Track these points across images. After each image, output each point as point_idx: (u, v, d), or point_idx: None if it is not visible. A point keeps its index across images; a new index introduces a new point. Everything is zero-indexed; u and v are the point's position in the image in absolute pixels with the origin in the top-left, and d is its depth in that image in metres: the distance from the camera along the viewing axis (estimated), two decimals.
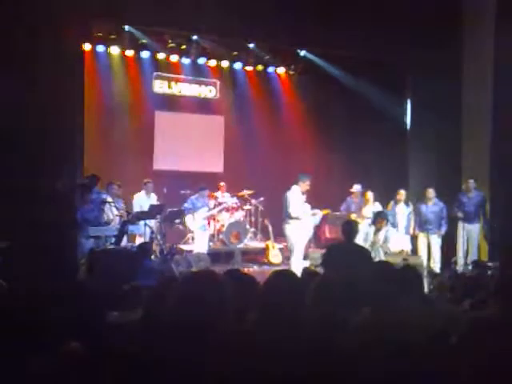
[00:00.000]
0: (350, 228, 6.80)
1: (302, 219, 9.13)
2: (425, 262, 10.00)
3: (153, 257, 8.92)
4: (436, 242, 10.41)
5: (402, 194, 10.58)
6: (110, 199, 9.64)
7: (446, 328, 3.02)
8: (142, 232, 9.65)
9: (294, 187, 9.02)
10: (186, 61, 12.41)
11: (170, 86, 12.96)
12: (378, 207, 10.83)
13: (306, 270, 5.38)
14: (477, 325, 2.84)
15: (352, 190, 11.31)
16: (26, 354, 2.29)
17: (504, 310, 2.98)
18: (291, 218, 8.95)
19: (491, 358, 2.57)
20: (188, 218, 10.85)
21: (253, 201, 12.34)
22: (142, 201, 10.76)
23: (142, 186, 10.89)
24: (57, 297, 2.88)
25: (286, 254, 9.72)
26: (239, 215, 12.04)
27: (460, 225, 10.39)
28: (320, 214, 9.58)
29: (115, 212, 9.62)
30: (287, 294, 2.80)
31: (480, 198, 10.31)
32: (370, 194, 10.92)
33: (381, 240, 8.98)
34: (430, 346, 2.69)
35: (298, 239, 9.07)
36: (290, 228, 9.03)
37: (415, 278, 3.80)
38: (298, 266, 8.79)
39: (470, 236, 10.32)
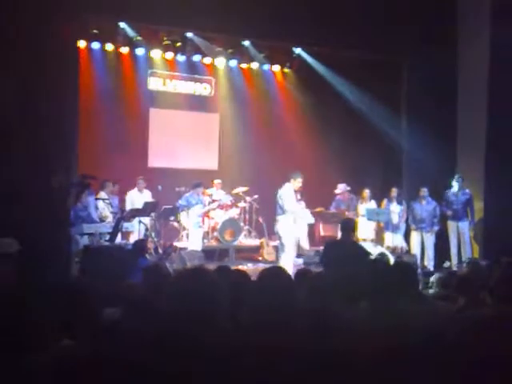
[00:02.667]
0: (348, 225, 6.85)
1: (299, 213, 9.17)
2: (418, 260, 10.05)
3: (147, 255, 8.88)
4: (430, 240, 10.47)
5: (395, 191, 10.64)
6: (104, 196, 9.65)
7: (442, 327, 3.02)
8: (137, 229, 9.64)
9: (286, 184, 9.05)
10: (181, 58, 12.38)
11: (164, 83, 12.93)
12: (373, 205, 10.86)
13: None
14: (472, 323, 2.84)
15: (336, 191, 11.31)
16: (20, 352, 2.28)
17: (499, 309, 2.99)
18: (286, 213, 8.96)
19: (487, 357, 2.57)
20: (182, 215, 10.85)
21: (247, 198, 12.34)
22: (134, 198, 10.77)
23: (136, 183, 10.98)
24: (51, 294, 2.87)
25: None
26: (233, 213, 12.02)
27: (449, 223, 10.47)
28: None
29: (110, 209, 9.62)
30: (278, 291, 2.80)
31: (467, 196, 10.38)
32: (366, 192, 10.95)
33: None
34: (425, 345, 2.69)
35: (289, 236, 9.11)
36: (281, 224, 9.07)
37: (411, 275, 3.81)
38: (288, 262, 8.83)
39: (461, 234, 10.40)
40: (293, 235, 9.30)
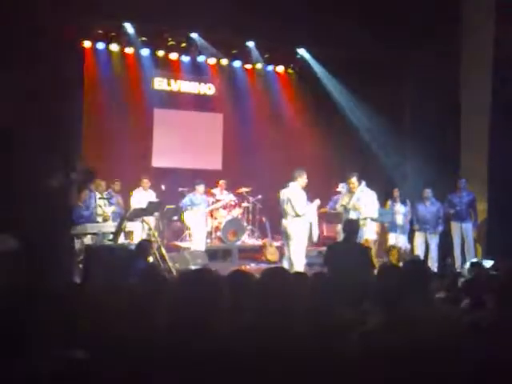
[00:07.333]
0: (351, 227, 6.82)
1: (307, 216, 8.93)
2: None
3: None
4: (434, 241, 10.41)
5: (397, 191, 10.60)
6: (105, 196, 9.64)
7: (446, 328, 3.00)
8: (140, 229, 9.62)
9: (293, 184, 8.73)
10: (185, 58, 12.40)
11: (169, 84, 12.96)
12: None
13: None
14: (476, 325, 2.83)
15: (338, 189, 11.21)
16: (20, 356, 2.26)
17: (503, 311, 2.97)
18: (298, 216, 8.68)
19: (490, 358, 2.56)
20: (186, 215, 10.84)
21: (250, 198, 12.33)
22: (140, 197, 10.76)
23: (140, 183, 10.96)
24: (54, 295, 2.87)
25: (283, 251, 9.63)
26: (237, 213, 12.02)
27: (453, 224, 10.42)
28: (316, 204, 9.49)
29: (112, 209, 9.62)
30: (280, 292, 2.79)
31: (470, 197, 10.34)
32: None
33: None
34: (430, 347, 2.67)
35: (303, 239, 8.87)
36: (295, 228, 8.63)
37: (422, 275, 3.76)
38: (300, 264, 8.65)
39: (464, 235, 10.36)
40: (306, 237, 9.12)
